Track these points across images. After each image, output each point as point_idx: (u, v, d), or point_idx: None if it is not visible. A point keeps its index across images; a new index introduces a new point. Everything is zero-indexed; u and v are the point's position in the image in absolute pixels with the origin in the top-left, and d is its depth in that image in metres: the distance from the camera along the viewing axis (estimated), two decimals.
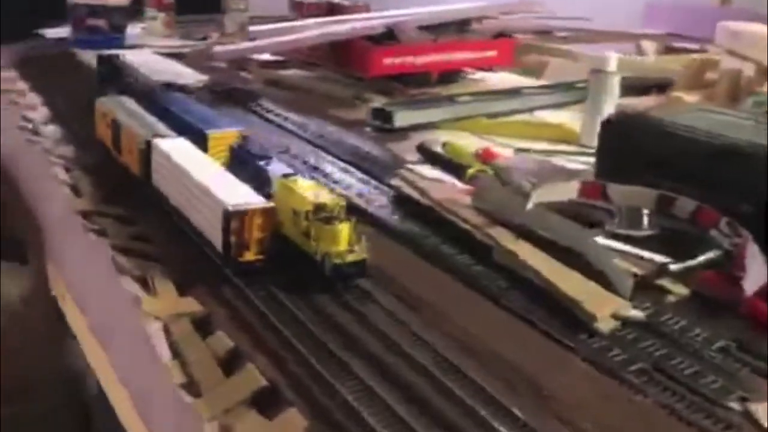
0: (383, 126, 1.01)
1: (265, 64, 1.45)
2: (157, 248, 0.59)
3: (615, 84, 1.00)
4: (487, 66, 1.40)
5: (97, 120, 0.82)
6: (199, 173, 0.59)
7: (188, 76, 1.27)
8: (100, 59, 1.09)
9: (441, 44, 1.30)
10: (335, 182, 0.77)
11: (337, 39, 1.24)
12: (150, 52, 1.47)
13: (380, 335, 0.48)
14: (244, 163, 0.66)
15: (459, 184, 0.77)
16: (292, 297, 0.52)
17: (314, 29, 1.27)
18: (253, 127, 0.98)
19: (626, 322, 0.51)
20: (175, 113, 0.78)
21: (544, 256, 0.58)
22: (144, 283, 0.53)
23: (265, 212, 0.54)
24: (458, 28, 1.37)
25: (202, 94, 1.19)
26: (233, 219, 0.52)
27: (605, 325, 0.50)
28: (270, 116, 1.05)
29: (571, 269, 0.56)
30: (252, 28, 1.27)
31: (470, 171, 0.81)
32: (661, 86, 1.31)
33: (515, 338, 0.49)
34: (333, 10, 1.63)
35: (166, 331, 0.49)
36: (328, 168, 0.82)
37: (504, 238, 0.61)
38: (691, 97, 1.13)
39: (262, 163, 0.63)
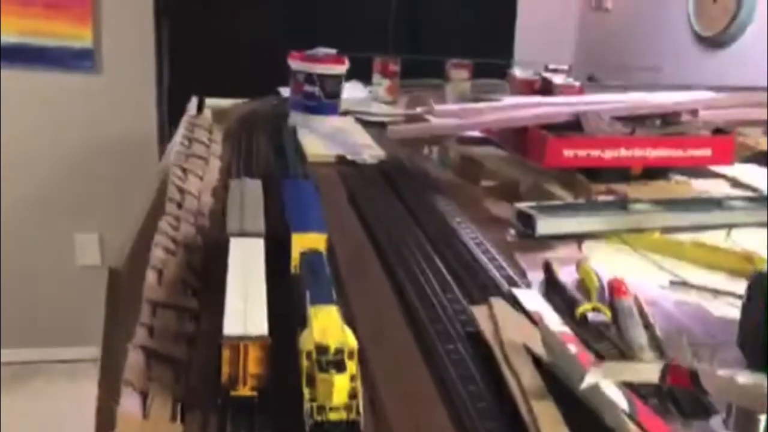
0: (525, 232, 0.92)
1: (462, 140, 1.43)
2: (192, 356, 0.59)
3: None
4: (700, 165, 1.22)
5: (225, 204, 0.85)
6: (234, 284, 0.58)
7: (367, 150, 1.29)
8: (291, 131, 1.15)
9: (636, 138, 1.16)
10: (418, 296, 0.71)
11: (516, 125, 1.17)
12: (351, 121, 1.54)
13: None
14: (306, 274, 0.64)
15: (557, 324, 0.66)
16: None
17: (499, 113, 1.21)
18: (387, 215, 0.96)
19: None
20: (284, 205, 0.79)
21: None
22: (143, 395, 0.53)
23: (263, 346, 0.51)
24: (667, 119, 1.22)
25: (369, 171, 1.20)
26: (226, 348, 0.50)
27: None
28: (414, 202, 1.01)
29: None
30: (438, 107, 1.24)
31: (580, 309, 0.70)
32: None
33: None
34: (545, 88, 1.56)
35: None
36: (422, 276, 0.76)
37: (547, 416, 0.50)
38: None
39: (308, 279, 0.60)
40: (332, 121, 1.49)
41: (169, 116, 2.38)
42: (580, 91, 1.52)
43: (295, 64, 1.58)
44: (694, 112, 1.21)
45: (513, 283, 0.76)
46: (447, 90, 1.88)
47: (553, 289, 0.76)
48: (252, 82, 1.72)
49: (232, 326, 0.51)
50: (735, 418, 0.51)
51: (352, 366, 0.49)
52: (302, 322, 0.56)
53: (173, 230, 0.81)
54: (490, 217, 1.01)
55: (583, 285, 0.78)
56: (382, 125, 1.55)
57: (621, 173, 1.19)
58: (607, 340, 0.64)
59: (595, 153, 1.14)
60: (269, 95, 1.84)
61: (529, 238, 0.91)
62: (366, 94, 1.90)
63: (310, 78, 1.56)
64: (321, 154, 1.23)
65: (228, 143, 1.30)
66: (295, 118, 1.52)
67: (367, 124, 1.54)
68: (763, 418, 0.50)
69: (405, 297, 0.72)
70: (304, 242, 0.70)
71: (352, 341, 0.51)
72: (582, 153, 1.14)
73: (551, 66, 1.86)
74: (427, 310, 0.68)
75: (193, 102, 1.59)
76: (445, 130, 1.20)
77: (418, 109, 1.70)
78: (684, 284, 0.81)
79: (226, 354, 0.50)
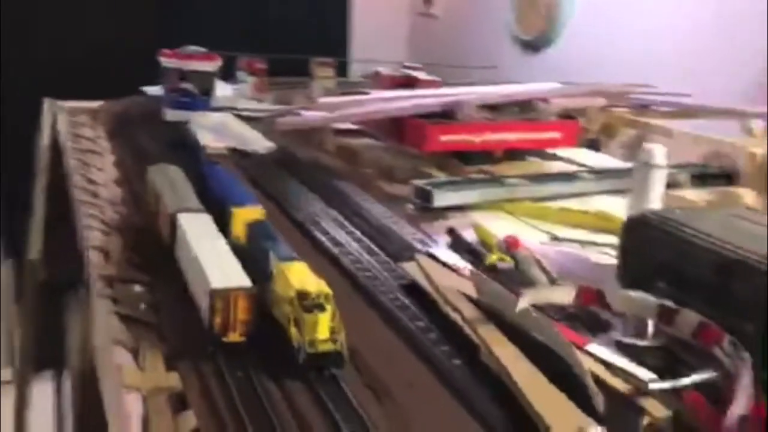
0: (423, 204, 1.04)
1: (339, 132, 1.52)
2: (160, 318, 0.63)
3: (660, 178, 0.98)
4: (551, 147, 1.40)
5: (146, 186, 0.89)
6: (203, 250, 0.63)
7: (256, 142, 1.35)
8: (173, 125, 1.18)
9: (499, 124, 1.31)
10: (351, 262, 0.80)
11: (397, 114, 1.28)
12: (231, 116, 1.58)
13: (336, 427, 0.50)
14: (254, 242, 0.70)
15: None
16: (263, 381, 0.54)
17: (379, 104, 1.31)
18: (295, 196, 1.03)
19: None
20: (211, 187, 0.84)
21: (528, 364, 0.58)
22: (137, 353, 0.57)
23: (250, 296, 0.57)
24: (524, 108, 1.39)
25: (264, 160, 1.26)
26: (217, 299, 0.56)
27: None
28: (315, 186, 1.09)
29: (551, 380, 0.56)
30: (321, 99, 1.33)
31: (489, 259, 0.82)
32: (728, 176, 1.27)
33: None
34: (409, 83, 1.69)
35: (144, 403, 0.53)
36: (349, 245, 0.85)
37: (493, 338, 0.61)
38: (751, 197, 1.08)
39: (267, 243, 0.67)
40: (212, 117, 1.52)
41: None
42: (439, 84, 1.66)
43: (167, 61, 1.59)
44: (544, 101, 1.39)
45: (425, 244, 0.87)
46: (313, 87, 1.96)
47: (460, 247, 0.87)
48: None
49: (218, 281, 0.57)
50: (631, 327, 0.65)
51: (330, 307, 0.57)
52: (267, 277, 0.63)
53: (101, 214, 0.83)
54: (386, 194, 1.11)
55: (482, 243, 0.90)
56: (259, 120, 1.61)
57: (486, 156, 1.34)
58: (515, 281, 0.77)
59: (468, 138, 1.28)
60: (134, 95, 1.82)
61: (426, 210, 1.03)
62: (231, 92, 1.93)
63: (183, 75, 1.59)
64: (213, 146, 1.27)
65: (114, 140, 1.30)
66: (172, 114, 1.54)
67: (243, 120, 1.59)
68: (651, 322, 0.65)
69: (339, 262, 0.80)
70: (244, 215, 0.75)
71: (327, 287, 0.58)
72: (456, 138, 1.28)
73: (406, 64, 2.01)
74: (363, 272, 0.77)
75: (50, 103, 1.56)
76: (332, 120, 1.29)
77: (298, 102, 1.78)
78: (558, 239, 0.96)
79: (218, 304, 0.56)
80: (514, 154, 1.38)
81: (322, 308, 0.57)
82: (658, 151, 0.98)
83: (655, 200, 0.99)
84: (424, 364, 0.60)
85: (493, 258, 0.81)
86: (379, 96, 1.35)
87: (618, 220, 1.05)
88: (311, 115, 1.27)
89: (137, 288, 0.68)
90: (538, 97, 1.37)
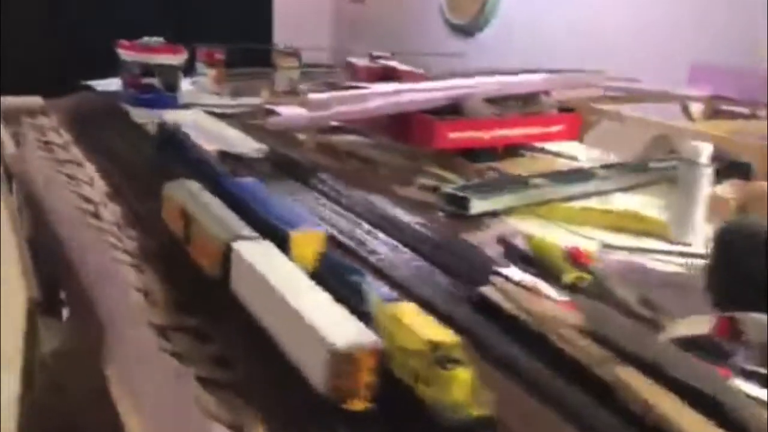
0: (456, 212, 0.96)
1: (321, 129, 1.41)
2: (244, 378, 0.52)
3: (707, 176, 0.94)
4: (554, 140, 1.35)
5: (164, 204, 0.77)
6: (292, 293, 0.53)
7: (243, 143, 1.22)
8: (160, 127, 1.04)
9: (508, 119, 1.25)
10: (405, 288, 0.71)
11: (403, 110, 1.19)
12: (203, 114, 1.44)
13: None
14: (333, 274, 0.60)
15: (554, 294, 0.71)
16: None
17: (378, 99, 1.22)
18: (319, 210, 0.93)
19: None
20: (250, 205, 0.73)
21: (678, 404, 0.51)
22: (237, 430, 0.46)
23: (377, 353, 0.47)
24: (524, 101, 1.32)
25: (260, 165, 1.14)
26: (341, 361, 0.46)
27: None
28: (333, 194, 0.99)
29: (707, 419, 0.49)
30: (311, 96, 1.22)
31: (566, 278, 0.75)
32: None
33: None
34: (388, 75, 1.59)
35: None
36: (404, 269, 0.76)
37: (631, 378, 0.54)
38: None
39: (354, 277, 0.57)
40: (184, 115, 1.38)
41: None
42: (423, 77, 1.58)
43: (128, 55, 1.44)
44: (546, 93, 1.33)
45: (483, 258, 0.79)
46: (276, 78, 1.83)
47: (520, 261, 0.80)
48: None
49: (335, 336, 0.47)
50: (757, 352, 0.60)
51: (468, 361, 0.48)
52: (363, 320, 0.53)
53: (119, 243, 0.70)
54: (405, 199, 1.02)
55: (538, 256, 0.83)
56: (232, 117, 1.48)
57: (488, 152, 1.27)
58: (607, 303, 0.70)
59: (476, 134, 1.21)
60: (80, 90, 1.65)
61: (459, 218, 0.95)
62: (190, 85, 1.79)
63: (147, 70, 1.44)
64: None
65: (81, 145, 1.15)
66: (138, 113, 1.39)
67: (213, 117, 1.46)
68: None
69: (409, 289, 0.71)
70: (305, 241, 0.65)
71: (456, 336, 0.50)
72: (464, 135, 1.20)
73: (374, 53, 1.91)
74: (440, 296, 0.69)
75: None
76: (330, 118, 1.19)
77: (264, 95, 1.66)
78: (610, 247, 0.90)
79: (342, 367, 0.46)
80: (512, 150, 1.32)
81: (460, 363, 0.48)
82: (704, 150, 0.94)
83: (703, 200, 0.94)
84: (560, 414, 0.52)
85: (570, 276, 0.74)
86: (376, 91, 1.25)
87: (652, 221, 1.00)
88: (308, 114, 1.16)
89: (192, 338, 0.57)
90: (540, 89, 1.31)
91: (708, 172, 0.94)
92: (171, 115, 1.36)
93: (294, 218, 0.69)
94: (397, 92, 1.22)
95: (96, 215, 0.79)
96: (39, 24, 2.97)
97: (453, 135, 1.19)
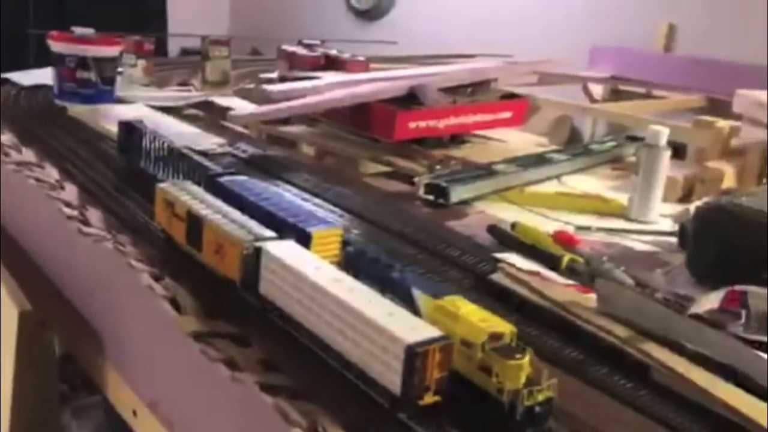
0: (436, 201, 0.98)
1: (266, 120, 1.39)
2: (300, 382, 0.52)
3: (666, 158, 1.00)
4: (504, 127, 1.39)
5: (158, 207, 0.74)
6: (343, 292, 0.53)
7: (203, 139, 1.19)
8: (122, 126, 1.00)
9: (461, 107, 1.28)
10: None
11: (362, 101, 1.20)
12: (147, 108, 1.39)
13: None
14: (363, 271, 0.61)
15: (559, 278, 0.74)
16: None
17: (336, 89, 1.22)
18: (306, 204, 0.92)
19: None
20: (256, 204, 0.72)
21: (707, 375, 0.55)
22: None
23: (446, 347, 0.49)
24: (473, 89, 1.36)
25: (224, 160, 1.12)
26: (416, 357, 0.47)
27: None
28: (309, 186, 0.99)
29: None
30: (269, 87, 1.20)
31: (564, 261, 0.78)
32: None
33: None
34: (330, 63, 1.58)
35: None
36: (404, 261, 0.77)
37: (660, 354, 0.58)
38: (726, 168, 1.14)
39: (395, 275, 0.58)
40: (127, 110, 1.33)
41: None
42: (367, 65, 1.58)
43: (62, 47, 1.36)
44: (494, 80, 1.37)
45: (477, 245, 0.81)
46: (207, 68, 1.78)
47: (513, 247, 0.83)
48: None
49: (405, 333, 0.48)
50: (753, 320, 0.65)
51: (527, 349, 0.50)
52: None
53: (126, 248, 0.68)
54: (378, 190, 1.03)
55: (528, 241, 0.86)
56: (174, 110, 1.43)
57: (437, 141, 1.29)
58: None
59: (433, 123, 1.23)
60: None
61: (439, 207, 0.97)
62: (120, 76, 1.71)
63: (83, 63, 1.37)
64: None
65: (30, 146, 1.08)
66: (77, 109, 1.32)
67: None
68: None
69: None
70: (326, 238, 0.66)
71: (511, 325, 0.52)
72: (423, 124, 1.22)
73: (305, 41, 1.89)
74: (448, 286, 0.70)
75: None
76: (290, 111, 1.18)
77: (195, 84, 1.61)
78: (582, 228, 0.95)
79: (417, 363, 0.47)
80: (459, 137, 1.34)
81: (519, 351, 0.50)
82: (663, 133, 1.00)
83: (662, 181, 1.01)
84: (608, 395, 0.55)
85: (566, 259, 0.78)
86: (333, 81, 1.25)
87: (615, 202, 1.06)
88: (271, 107, 1.14)
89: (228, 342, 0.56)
90: (492, 77, 1.34)
91: (667, 155, 1.00)
92: (115, 111, 1.31)
93: (306, 215, 0.69)
94: (356, 82, 1.23)
95: (85, 222, 0.75)
96: None
97: (413, 124, 1.21)
